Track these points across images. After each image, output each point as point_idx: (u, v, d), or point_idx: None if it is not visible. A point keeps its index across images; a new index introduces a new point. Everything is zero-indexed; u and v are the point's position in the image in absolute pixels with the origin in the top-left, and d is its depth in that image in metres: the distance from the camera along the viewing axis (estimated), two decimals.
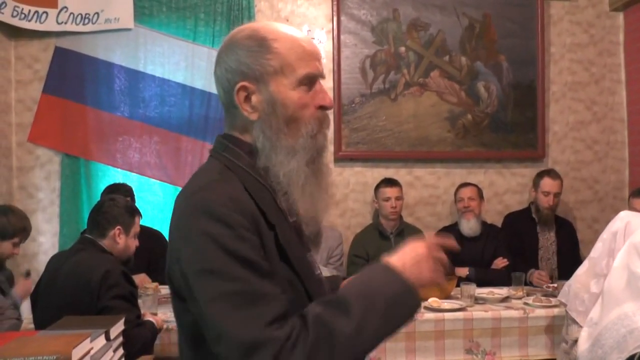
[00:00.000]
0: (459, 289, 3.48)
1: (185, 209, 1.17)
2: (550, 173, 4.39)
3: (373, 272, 1.19)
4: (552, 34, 4.88)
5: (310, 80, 1.26)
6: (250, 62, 1.24)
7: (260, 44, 1.25)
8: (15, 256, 3.42)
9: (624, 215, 2.64)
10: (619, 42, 4.95)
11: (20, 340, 1.71)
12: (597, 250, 2.70)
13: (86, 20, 4.40)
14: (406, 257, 1.21)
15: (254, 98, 1.25)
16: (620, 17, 4.95)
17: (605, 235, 2.68)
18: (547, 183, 4.32)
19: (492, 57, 4.76)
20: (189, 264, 1.13)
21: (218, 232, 1.10)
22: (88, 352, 1.70)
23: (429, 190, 4.80)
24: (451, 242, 1.30)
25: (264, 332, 1.05)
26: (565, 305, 2.87)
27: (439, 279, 1.25)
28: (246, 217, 1.14)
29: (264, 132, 1.25)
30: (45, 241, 4.45)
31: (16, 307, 3.25)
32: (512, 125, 4.76)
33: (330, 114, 1.40)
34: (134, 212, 2.91)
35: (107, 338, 1.93)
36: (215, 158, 1.29)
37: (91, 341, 1.76)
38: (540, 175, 4.41)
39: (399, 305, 1.15)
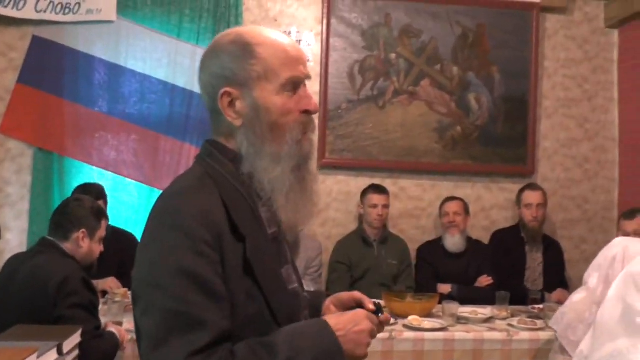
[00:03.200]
0: (440, 307, 3.37)
1: (156, 213, 1.20)
2: (530, 186, 4.38)
3: (310, 325, 1.23)
4: (546, 47, 4.79)
5: (294, 85, 1.27)
6: (233, 68, 1.25)
7: (244, 49, 1.26)
8: None
9: (620, 241, 2.56)
10: (613, 60, 4.87)
11: None
12: (594, 278, 2.59)
13: (66, 10, 4.23)
14: (349, 325, 1.22)
15: (238, 104, 1.25)
16: (615, 35, 4.87)
17: (601, 262, 2.57)
18: (528, 195, 4.30)
19: (485, 68, 4.65)
20: (141, 272, 1.16)
21: (177, 244, 1.12)
22: None
23: (414, 202, 4.67)
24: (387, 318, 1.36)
25: None
26: (556, 332, 2.77)
27: (365, 356, 1.25)
28: (211, 232, 1.15)
29: (248, 138, 1.25)
30: (13, 238, 4.25)
31: None
32: (502, 139, 4.65)
33: (315, 118, 1.36)
34: (101, 215, 2.74)
35: (60, 352, 1.80)
36: (198, 164, 1.29)
37: (38, 357, 1.64)
38: (521, 191, 4.38)
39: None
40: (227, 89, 1.25)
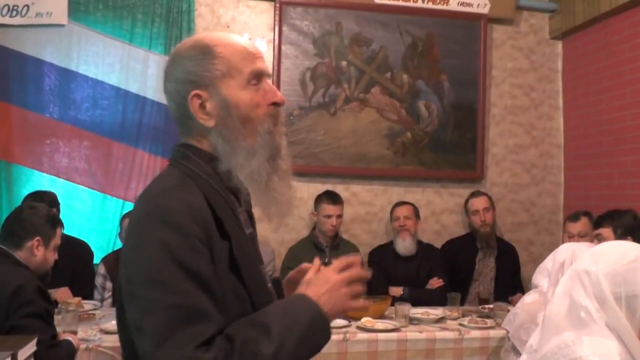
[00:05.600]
0: (393, 308, 3.43)
1: (141, 214, 1.19)
2: (474, 193, 4.52)
3: (292, 300, 1.25)
4: (494, 57, 4.93)
5: (257, 78, 1.30)
6: (197, 70, 1.27)
7: (204, 51, 1.29)
8: None
9: (567, 247, 2.66)
10: (557, 70, 5.05)
11: None
12: (545, 282, 2.70)
13: (14, 13, 4.14)
14: (320, 288, 1.24)
15: (207, 105, 1.27)
16: (559, 45, 5.05)
17: (550, 267, 2.68)
18: (473, 202, 4.45)
19: (434, 76, 4.76)
20: (136, 271, 1.14)
21: (172, 241, 1.12)
22: None
23: (366, 207, 4.74)
24: (355, 259, 1.32)
25: (193, 355, 1.07)
26: (508, 332, 2.86)
27: (354, 305, 1.28)
28: (201, 228, 1.16)
29: (223, 135, 1.27)
30: None
31: None
32: (452, 146, 4.76)
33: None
34: (56, 223, 2.69)
35: None
36: (174, 166, 1.30)
37: None
38: (466, 201, 4.53)
39: (314, 330, 1.19)
40: (196, 91, 1.27)
